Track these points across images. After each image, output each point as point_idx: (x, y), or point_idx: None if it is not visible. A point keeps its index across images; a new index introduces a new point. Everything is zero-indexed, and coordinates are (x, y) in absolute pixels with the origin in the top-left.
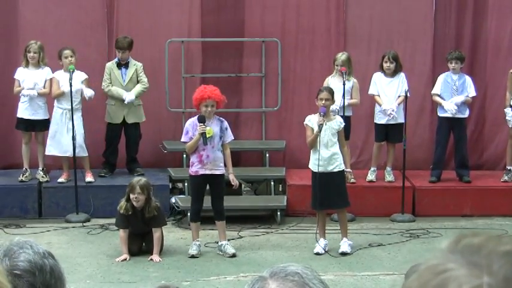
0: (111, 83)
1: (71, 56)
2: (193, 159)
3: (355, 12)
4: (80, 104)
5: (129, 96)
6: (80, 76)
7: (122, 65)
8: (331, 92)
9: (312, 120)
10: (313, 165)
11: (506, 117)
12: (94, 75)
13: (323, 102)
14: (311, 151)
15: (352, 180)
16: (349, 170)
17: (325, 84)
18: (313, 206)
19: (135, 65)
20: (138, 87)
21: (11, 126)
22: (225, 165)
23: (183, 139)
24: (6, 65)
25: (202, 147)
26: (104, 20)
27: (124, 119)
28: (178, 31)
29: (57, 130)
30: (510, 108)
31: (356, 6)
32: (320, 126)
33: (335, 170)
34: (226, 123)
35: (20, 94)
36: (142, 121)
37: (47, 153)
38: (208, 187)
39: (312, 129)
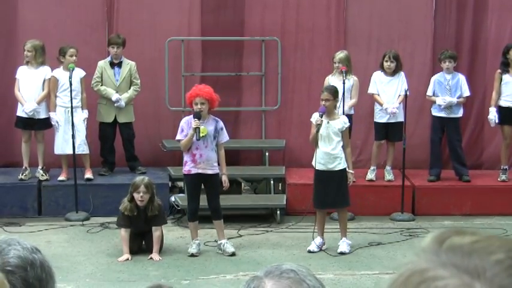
0: (100, 81)
1: (75, 55)
2: (186, 158)
3: (355, 11)
4: (80, 102)
5: (120, 102)
6: (79, 73)
7: (115, 64)
8: (331, 91)
9: (315, 117)
10: (314, 163)
11: (489, 116)
12: (93, 75)
13: (323, 102)
14: (316, 149)
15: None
16: (351, 171)
17: (325, 83)
18: (314, 204)
19: (129, 64)
20: (131, 92)
21: (10, 125)
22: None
23: (177, 137)
24: (6, 64)
25: (196, 146)
26: (104, 19)
27: (115, 117)
28: (178, 30)
29: (63, 129)
30: (494, 108)
31: (356, 5)
32: (318, 127)
33: (336, 169)
34: (221, 124)
35: (23, 110)
36: (133, 121)
37: (59, 152)
38: (203, 186)
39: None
